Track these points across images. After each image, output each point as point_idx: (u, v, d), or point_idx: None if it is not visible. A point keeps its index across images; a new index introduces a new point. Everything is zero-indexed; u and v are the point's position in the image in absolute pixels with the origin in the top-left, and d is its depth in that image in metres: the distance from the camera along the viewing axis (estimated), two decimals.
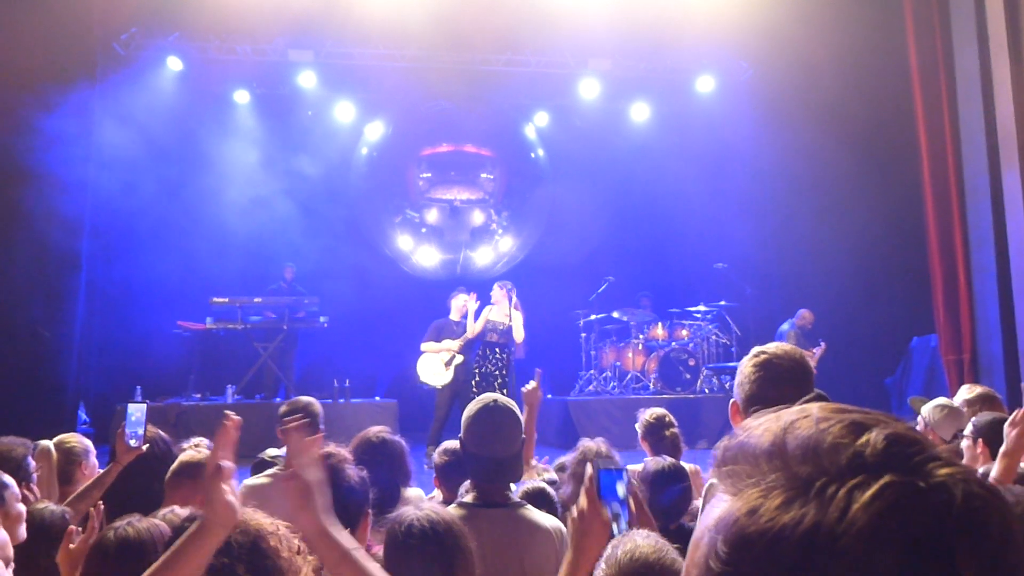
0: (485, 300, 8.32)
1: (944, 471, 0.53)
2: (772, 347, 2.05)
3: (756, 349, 2.05)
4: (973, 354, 8.59)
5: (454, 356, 8.05)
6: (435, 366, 8.07)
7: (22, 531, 2.34)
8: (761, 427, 0.59)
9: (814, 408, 0.58)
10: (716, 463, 0.60)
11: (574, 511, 1.69)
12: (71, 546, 2.27)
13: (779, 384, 1.95)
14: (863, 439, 0.54)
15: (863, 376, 9.87)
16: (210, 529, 1.43)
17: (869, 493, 0.51)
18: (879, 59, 9.39)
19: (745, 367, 2.02)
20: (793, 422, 0.57)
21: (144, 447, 3.04)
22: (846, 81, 9.44)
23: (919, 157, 9.04)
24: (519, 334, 7.97)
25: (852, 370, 9.64)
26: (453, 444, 3.18)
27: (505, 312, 8.01)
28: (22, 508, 2.32)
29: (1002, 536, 0.51)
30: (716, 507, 0.57)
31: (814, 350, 9.28)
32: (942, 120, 8.78)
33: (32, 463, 2.88)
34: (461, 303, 8.33)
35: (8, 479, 2.33)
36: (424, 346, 8.16)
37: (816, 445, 0.55)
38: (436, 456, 3.22)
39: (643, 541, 1.62)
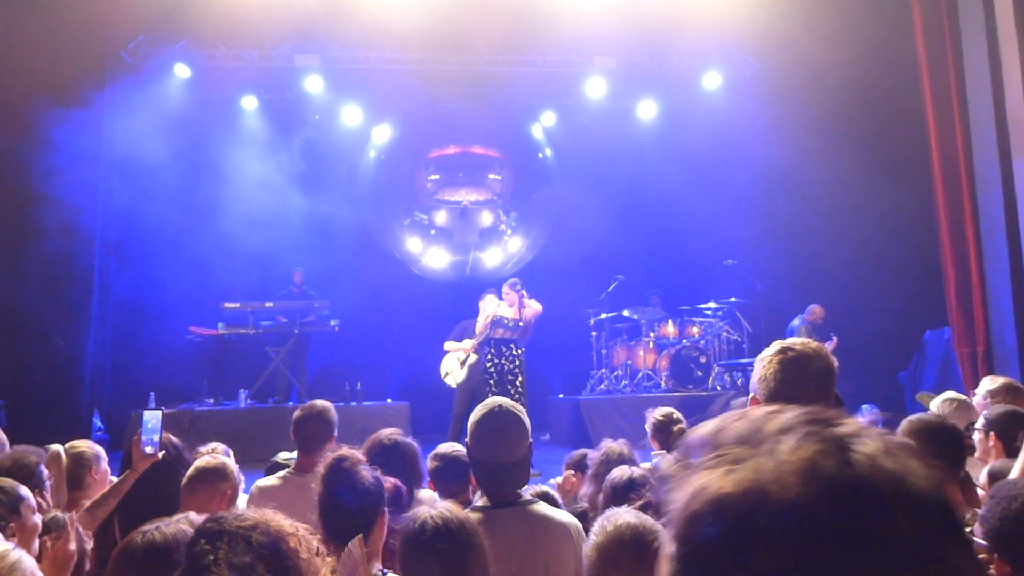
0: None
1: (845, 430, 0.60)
2: (799, 344, 1.96)
3: (782, 345, 1.97)
4: (987, 346, 8.52)
5: (468, 356, 8.09)
6: (452, 365, 8.13)
7: (36, 544, 2.35)
8: (702, 427, 0.65)
9: (751, 410, 0.65)
10: (673, 466, 0.65)
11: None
12: (49, 552, 2.28)
13: (805, 383, 1.88)
14: (782, 417, 0.62)
15: (876, 371, 9.82)
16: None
17: (793, 442, 0.58)
18: (887, 51, 9.34)
19: (769, 363, 1.93)
20: (731, 419, 0.64)
21: (160, 454, 3.06)
22: (854, 73, 9.38)
23: (928, 148, 8.99)
24: (536, 309, 7.98)
25: (865, 365, 9.59)
26: (444, 449, 3.19)
27: (515, 309, 8.01)
28: (38, 520, 2.33)
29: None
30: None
31: (826, 344, 9.22)
32: (951, 110, 8.73)
33: (45, 471, 2.90)
34: (488, 305, 8.31)
35: (25, 491, 2.33)
36: (446, 345, 8.22)
37: (747, 430, 0.61)
38: (428, 461, 3.23)
39: (632, 515, 1.85)
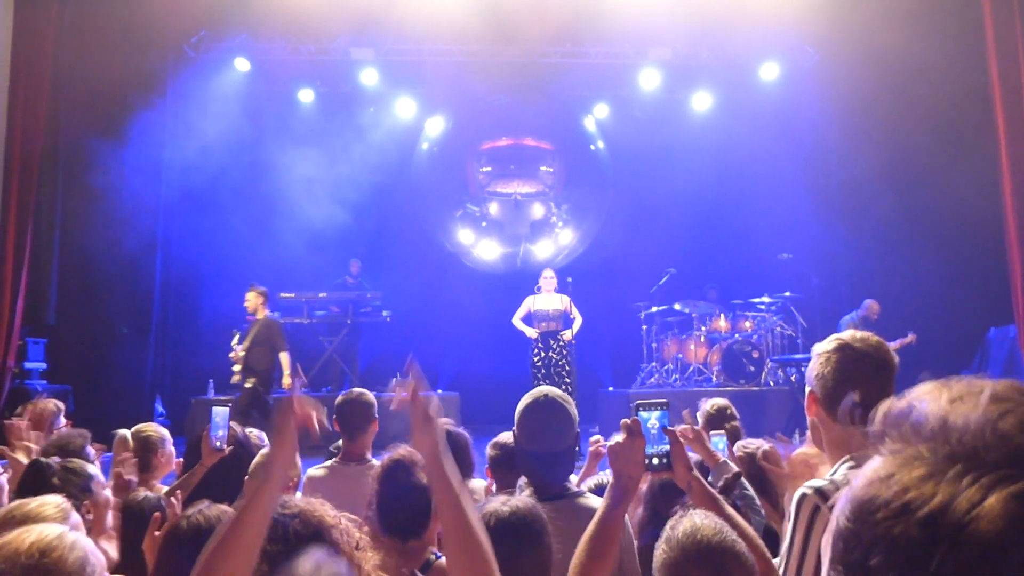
0: (489, 293, 8.40)
1: None
2: (859, 340, 1.88)
3: (840, 341, 1.89)
4: None
5: None
6: None
7: (110, 518, 2.44)
8: (928, 395, 0.56)
9: (991, 385, 0.54)
10: (875, 423, 0.58)
11: (615, 438, 1.80)
12: (156, 533, 2.37)
13: (865, 382, 1.81)
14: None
15: (939, 368, 9.46)
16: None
17: (1015, 488, 0.47)
18: (953, 39, 9.02)
19: (828, 360, 1.87)
20: (962, 396, 0.54)
21: (227, 449, 3.14)
22: (917, 62, 9.09)
23: (996, 141, 8.67)
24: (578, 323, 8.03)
25: (927, 362, 9.28)
26: (504, 438, 3.20)
27: (553, 297, 8.03)
28: (109, 495, 2.42)
29: None
30: (866, 467, 0.56)
31: (898, 341, 8.89)
32: (1020, 99, 8.41)
33: (91, 451, 3.00)
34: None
35: (93, 469, 2.43)
36: None
37: (980, 429, 0.51)
38: (488, 449, 3.26)
39: (702, 521, 1.60)
